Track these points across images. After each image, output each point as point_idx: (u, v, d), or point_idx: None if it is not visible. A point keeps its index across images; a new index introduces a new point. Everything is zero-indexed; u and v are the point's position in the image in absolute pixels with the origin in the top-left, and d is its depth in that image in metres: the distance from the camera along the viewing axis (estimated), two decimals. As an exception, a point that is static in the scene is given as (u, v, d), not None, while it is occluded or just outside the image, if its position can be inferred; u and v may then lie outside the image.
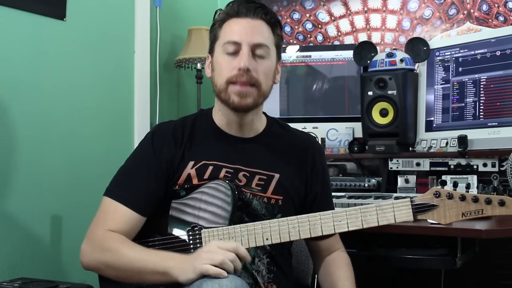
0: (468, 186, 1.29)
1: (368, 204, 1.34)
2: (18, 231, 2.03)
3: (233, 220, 1.41)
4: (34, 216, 2.09)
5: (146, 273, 1.32)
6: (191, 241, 1.41)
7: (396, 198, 1.98)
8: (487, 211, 1.21)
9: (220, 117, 1.55)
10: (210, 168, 1.48)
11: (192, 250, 1.39)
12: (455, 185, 1.28)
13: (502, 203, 1.19)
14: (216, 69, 1.50)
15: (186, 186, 1.48)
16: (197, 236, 1.41)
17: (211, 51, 1.54)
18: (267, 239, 1.36)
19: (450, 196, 1.24)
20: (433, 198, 1.25)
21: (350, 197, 2.03)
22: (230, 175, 1.48)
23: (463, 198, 1.23)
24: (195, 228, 1.41)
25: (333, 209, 1.56)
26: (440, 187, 1.27)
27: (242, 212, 1.46)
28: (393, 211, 1.29)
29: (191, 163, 1.48)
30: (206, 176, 1.47)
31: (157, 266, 1.30)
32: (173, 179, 1.48)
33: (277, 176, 1.51)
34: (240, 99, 1.45)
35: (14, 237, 2.01)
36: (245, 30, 1.46)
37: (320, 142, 2.41)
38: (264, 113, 1.61)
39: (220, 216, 1.41)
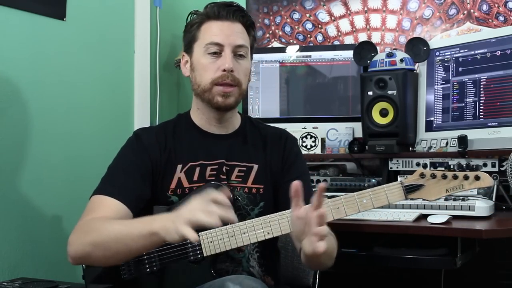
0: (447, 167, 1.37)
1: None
2: (18, 231, 2.03)
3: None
4: (34, 216, 2.09)
5: (132, 240, 1.32)
6: (189, 244, 1.41)
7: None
8: (465, 186, 1.40)
9: (200, 115, 1.63)
10: (197, 169, 1.56)
11: (191, 253, 1.41)
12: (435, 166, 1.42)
13: (477, 178, 1.39)
14: (198, 69, 1.58)
15: (178, 190, 1.53)
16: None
17: (189, 51, 1.61)
18: (268, 233, 1.37)
19: (433, 176, 1.40)
20: (419, 179, 1.40)
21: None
22: (215, 172, 1.55)
23: (445, 176, 1.40)
24: None
25: (310, 191, 1.52)
26: (423, 169, 1.43)
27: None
28: (385, 193, 1.37)
29: (179, 166, 1.56)
30: (195, 177, 1.54)
31: (142, 230, 1.31)
32: (163, 183, 1.53)
33: (256, 166, 1.60)
34: (224, 99, 1.54)
35: (14, 237, 2.01)
36: (226, 32, 1.55)
37: (320, 142, 2.43)
38: (238, 111, 1.70)
39: None
